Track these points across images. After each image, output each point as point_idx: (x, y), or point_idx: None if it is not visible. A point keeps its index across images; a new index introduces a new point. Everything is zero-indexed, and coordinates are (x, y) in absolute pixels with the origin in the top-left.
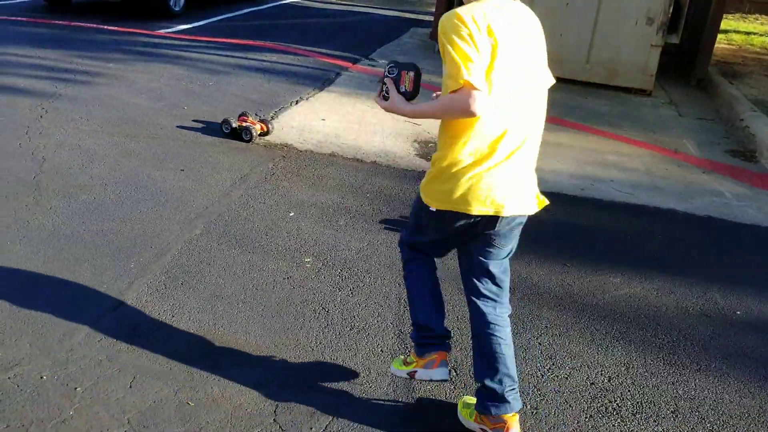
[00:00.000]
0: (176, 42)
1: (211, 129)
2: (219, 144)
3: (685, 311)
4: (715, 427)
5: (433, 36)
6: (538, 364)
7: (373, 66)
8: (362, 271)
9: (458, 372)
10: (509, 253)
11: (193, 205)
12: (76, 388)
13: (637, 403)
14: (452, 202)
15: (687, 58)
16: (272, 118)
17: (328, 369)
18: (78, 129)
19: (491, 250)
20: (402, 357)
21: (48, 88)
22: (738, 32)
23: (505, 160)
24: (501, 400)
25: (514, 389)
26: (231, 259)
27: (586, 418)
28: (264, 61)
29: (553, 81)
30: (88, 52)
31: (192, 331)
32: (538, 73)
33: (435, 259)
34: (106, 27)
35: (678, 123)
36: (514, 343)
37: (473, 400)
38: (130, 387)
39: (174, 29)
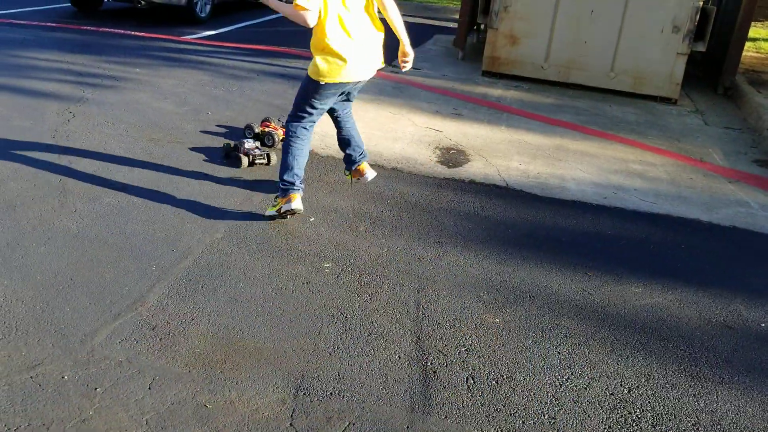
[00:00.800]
0: (201, 48)
1: (235, 134)
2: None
3: (707, 323)
4: None
5: (456, 43)
6: (557, 374)
7: (396, 72)
8: (381, 277)
9: (476, 381)
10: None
11: (214, 209)
12: (96, 389)
13: (657, 415)
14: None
15: (714, 67)
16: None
17: (346, 374)
18: (104, 133)
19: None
20: (271, 206)
21: (76, 92)
22: (767, 41)
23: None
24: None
25: (362, 153)
26: (251, 263)
27: (604, 429)
28: (287, 67)
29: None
30: (116, 57)
31: (211, 334)
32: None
33: None
34: (133, 33)
35: (704, 132)
36: (532, 351)
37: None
38: (149, 388)
39: (200, 35)
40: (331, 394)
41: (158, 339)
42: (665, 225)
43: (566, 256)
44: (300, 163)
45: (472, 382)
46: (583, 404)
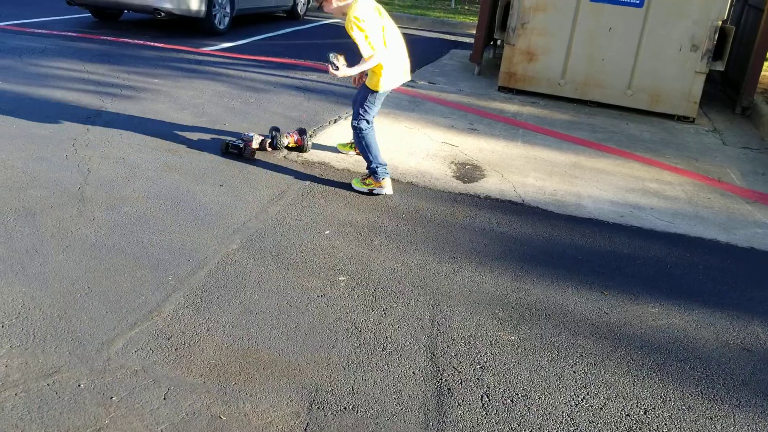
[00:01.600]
0: (220, 59)
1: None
2: (258, 161)
3: (725, 344)
4: None
5: (473, 58)
6: (572, 393)
7: (413, 87)
8: (395, 292)
9: (491, 399)
10: None
11: (230, 220)
12: (112, 398)
13: None
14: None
15: (732, 86)
16: (311, 136)
17: (360, 389)
18: (122, 143)
19: None
20: (359, 179)
21: (95, 102)
22: None
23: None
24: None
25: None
26: (266, 275)
27: None
28: (304, 79)
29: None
30: (135, 67)
31: (226, 345)
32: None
33: None
34: (152, 43)
35: (722, 151)
36: (548, 370)
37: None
38: (164, 399)
39: (218, 47)
40: (345, 408)
41: (174, 349)
42: (682, 245)
43: (582, 275)
44: (378, 149)
45: (486, 400)
46: (599, 425)
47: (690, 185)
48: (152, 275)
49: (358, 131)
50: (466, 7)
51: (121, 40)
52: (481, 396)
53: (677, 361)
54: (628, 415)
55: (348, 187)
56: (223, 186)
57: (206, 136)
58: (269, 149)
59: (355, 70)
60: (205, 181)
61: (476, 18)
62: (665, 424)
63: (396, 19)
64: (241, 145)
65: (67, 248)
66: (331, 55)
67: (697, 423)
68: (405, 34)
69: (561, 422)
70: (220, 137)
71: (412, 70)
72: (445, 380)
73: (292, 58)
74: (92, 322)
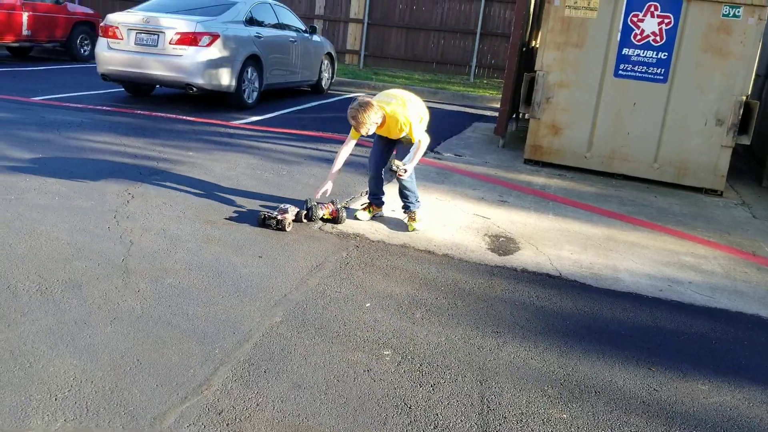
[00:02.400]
0: (250, 132)
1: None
2: (294, 232)
3: None
4: None
5: (497, 131)
6: None
7: (439, 159)
8: (442, 367)
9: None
10: None
11: (272, 292)
12: None
13: None
14: None
15: (757, 159)
16: (344, 207)
17: None
18: (162, 214)
19: None
20: (408, 222)
21: (133, 174)
22: None
23: None
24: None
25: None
26: (311, 349)
27: None
28: (333, 152)
29: None
30: (169, 140)
31: (277, 421)
32: None
33: None
34: (184, 117)
35: (752, 225)
36: None
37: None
38: None
39: (247, 120)
40: None
41: (225, 424)
42: (724, 320)
43: (627, 350)
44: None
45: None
46: None
47: (725, 259)
48: (199, 348)
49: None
50: (485, 81)
51: (154, 114)
52: None
53: None
54: None
55: (384, 258)
56: (262, 257)
57: (242, 208)
58: (305, 221)
59: (416, 161)
60: (245, 252)
61: (495, 92)
62: None
63: (417, 92)
64: (278, 217)
65: (114, 320)
66: (393, 165)
67: None
68: (427, 108)
69: None
70: (256, 209)
71: (437, 143)
72: None
73: (320, 131)
74: (143, 395)
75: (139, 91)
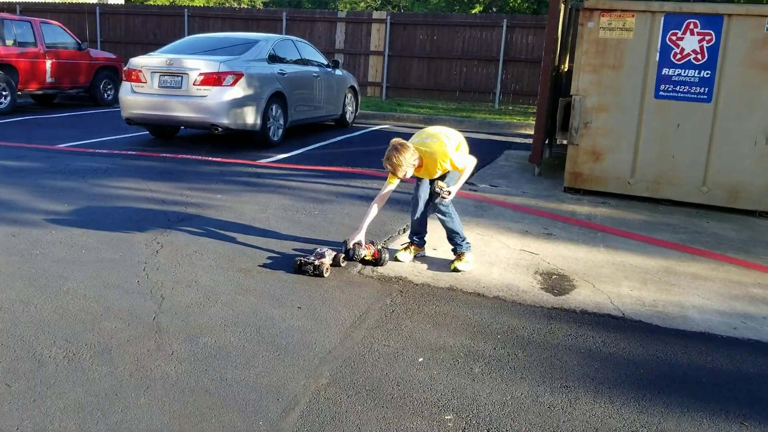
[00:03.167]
0: (277, 171)
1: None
2: (332, 278)
3: None
4: None
5: (532, 159)
6: None
7: (475, 191)
8: None
9: None
10: None
11: (315, 348)
12: None
13: None
14: None
15: None
16: (383, 247)
17: None
18: (193, 264)
19: None
20: (456, 262)
21: (161, 221)
22: None
23: None
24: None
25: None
26: (364, 415)
27: None
28: (365, 188)
29: None
30: (196, 183)
31: None
32: None
33: None
34: (210, 158)
35: None
36: None
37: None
38: None
39: (274, 158)
40: None
41: None
42: None
43: (712, 402)
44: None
45: None
46: None
47: None
48: (241, 419)
49: (447, 213)
50: (510, 108)
51: (180, 156)
52: None
53: None
54: None
55: (431, 304)
56: (301, 308)
57: (276, 253)
58: (343, 264)
59: (460, 185)
60: (282, 303)
61: (522, 118)
62: None
63: (443, 122)
64: (315, 263)
65: (148, 389)
66: (437, 187)
67: None
68: None
69: None
70: (291, 253)
71: (470, 174)
72: None
73: (348, 167)
74: None
75: (164, 133)
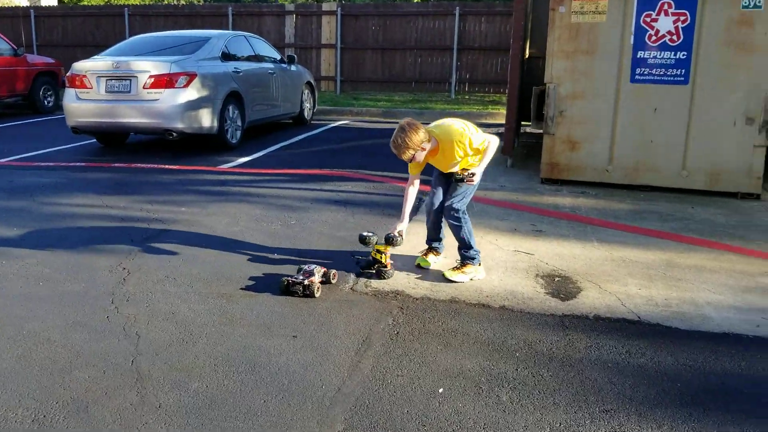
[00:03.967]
0: (242, 177)
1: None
2: (325, 298)
3: None
4: None
5: (504, 150)
6: None
7: None
8: None
9: None
10: None
11: (321, 386)
12: None
13: None
14: None
15: None
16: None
17: None
18: (167, 292)
19: None
20: (451, 270)
21: (124, 242)
22: None
23: None
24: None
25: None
26: None
27: None
28: (339, 191)
29: None
30: (156, 195)
31: None
32: None
33: None
34: (167, 166)
35: None
36: None
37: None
38: None
39: (235, 163)
40: None
41: None
42: None
43: (763, 417)
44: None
45: None
46: None
47: None
48: None
49: (460, 219)
50: (467, 97)
51: (134, 165)
52: None
53: None
54: None
55: (437, 320)
56: (297, 337)
57: (257, 272)
58: (333, 281)
59: (485, 164)
60: (275, 333)
61: (481, 107)
62: None
63: (402, 114)
64: (305, 282)
65: None
66: (459, 175)
67: None
68: None
69: None
70: (274, 272)
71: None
72: None
73: (316, 168)
74: None
75: (113, 141)
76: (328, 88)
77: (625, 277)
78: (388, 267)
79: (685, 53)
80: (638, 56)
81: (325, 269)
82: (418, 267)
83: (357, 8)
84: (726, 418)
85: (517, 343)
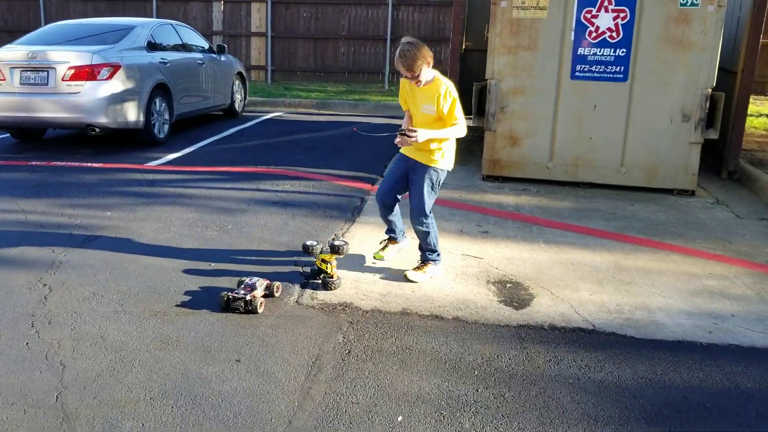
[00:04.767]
0: (172, 176)
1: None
2: (268, 313)
3: None
4: None
5: None
6: None
7: None
8: None
9: None
10: None
11: (270, 420)
12: None
13: None
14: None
15: (709, 151)
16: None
17: None
18: (94, 311)
19: None
20: (411, 271)
21: (44, 253)
22: (758, 117)
23: None
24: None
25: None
26: None
27: None
28: (277, 191)
29: None
30: (79, 198)
31: None
32: None
33: None
34: (89, 164)
35: (743, 227)
36: None
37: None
38: None
39: (164, 159)
40: None
41: None
42: None
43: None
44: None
45: None
46: None
47: (747, 276)
48: None
49: (425, 223)
50: None
51: (52, 163)
52: None
53: None
54: None
55: (389, 338)
56: (240, 361)
57: (193, 285)
58: (277, 294)
59: (436, 134)
60: (216, 357)
61: None
62: None
63: (336, 106)
64: (246, 297)
65: None
66: (403, 130)
67: None
68: (350, 122)
69: None
70: (212, 285)
71: (383, 166)
72: None
73: (252, 166)
74: None
75: (29, 135)
76: (258, 77)
77: (575, 281)
78: (335, 277)
79: (625, 50)
80: (579, 53)
81: (268, 282)
82: (381, 260)
83: None
84: None
85: (475, 360)
